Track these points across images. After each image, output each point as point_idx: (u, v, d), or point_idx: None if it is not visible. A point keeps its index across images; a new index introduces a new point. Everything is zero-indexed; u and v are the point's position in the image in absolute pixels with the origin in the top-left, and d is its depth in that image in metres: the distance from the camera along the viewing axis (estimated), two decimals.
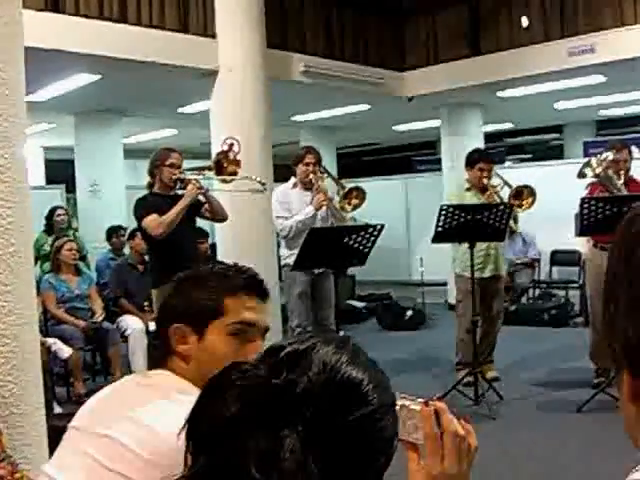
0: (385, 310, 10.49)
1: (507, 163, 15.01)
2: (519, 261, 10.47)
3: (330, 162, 13.34)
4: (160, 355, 1.74)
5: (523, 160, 16.79)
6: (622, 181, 5.92)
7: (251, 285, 1.79)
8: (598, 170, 5.84)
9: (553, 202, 8.89)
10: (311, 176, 6.25)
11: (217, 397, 0.86)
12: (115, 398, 1.69)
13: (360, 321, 10.76)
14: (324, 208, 6.25)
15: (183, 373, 1.69)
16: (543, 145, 17.44)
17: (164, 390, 1.62)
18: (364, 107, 11.49)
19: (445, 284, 11.15)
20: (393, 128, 14.17)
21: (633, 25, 8.70)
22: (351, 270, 11.09)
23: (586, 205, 5.43)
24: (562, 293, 10.14)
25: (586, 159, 6.38)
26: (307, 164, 6.28)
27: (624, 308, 0.69)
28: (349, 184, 6.56)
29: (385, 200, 13.08)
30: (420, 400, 1.14)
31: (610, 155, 5.89)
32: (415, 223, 12.84)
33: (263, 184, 5.91)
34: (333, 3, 9.93)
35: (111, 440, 1.52)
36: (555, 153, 16.17)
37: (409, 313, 10.23)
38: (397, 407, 1.02)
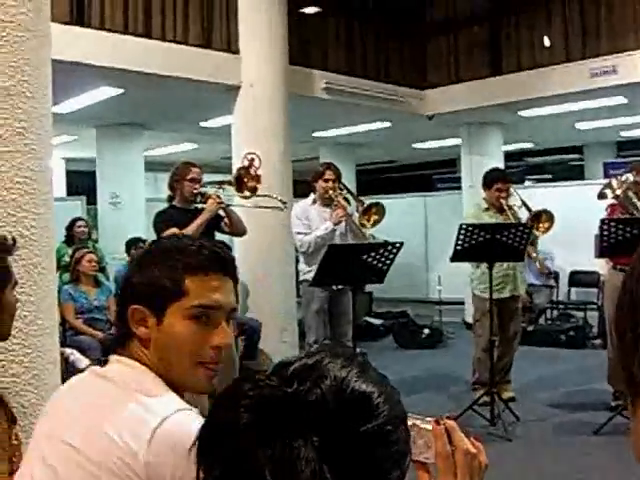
0: (402, 328, 10.47)
1: (527, 183, 14.96)
2: (537, 282, 10.43)
3: (349, 179, 13.35)
4: (120, 337, 1.62)
5: (543, 180, 16.72)
6: None
7: (215, 262, 1.60)
8: (618, 191, 5.82)
9: (573, 223, 8.87)
10: (330, 192, 6.27)
11: (231, 408, 0.87)
12: (76, 398, 1.56)
13: (377, 338, 10.75)
14: (343, 223, 6.27)
15: (142, 358, 1.56)
16: (564, 165, 17.37)
17: (125, 389, 1.50)
18: (384, 124, 11.52)
19: (463, 303, 11.11)
20: (413, 146, 14.19)
21: None
22: (369, 287, 11.08)
23: (606, 226, 5.41)
24: (580, 314, 10.09)
25: (606, 180, 6.37)
26: (326, 180, 6.31)
27: None
28: (368, 200, 6.56)
29: (404, 218, 13.07)
30: (430, 419, 1.14)
31: (631, 177, 5.87)
32: (434, 241, 12.81)
33: (284, 203, 5.95)
34: (355, 20, 10.00)
35: (73, 450, 1.43)
36: (575, 174, 16.11)
37: (426, 331, 10.21)
38: (412, 426, 1.03)
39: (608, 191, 5.89)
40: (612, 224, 5.43)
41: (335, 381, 0.87)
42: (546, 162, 17.56)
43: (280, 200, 5.89)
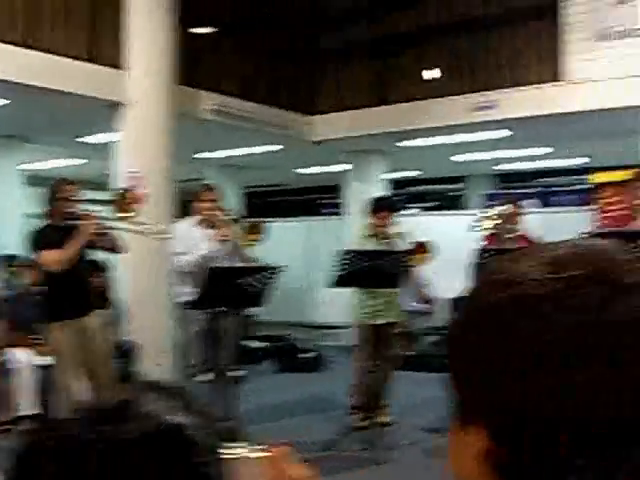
0: (283, 351, 10.47)
1: (411, 211, 15.30)
2: (416, 308, 10.60)
3: (235, 201, 13.34)
4: None
5: (427, 208, 17.16)
6: (514, 235, 6.13)
7: None
8: (492, 224, 6.02)
9: (454, 250, 9.09)
10: (209, 213, 6.23)
11: (34, 459, 0.81)
12: None
13: (258, 362, 10.68)
14: (227, 246, 6.23)
15: None
16: (446, 195, 17.88)
17: None
18: (272, 148, 11.56)
19: (344, 327, 11.19)
20: (300, 170, 14.29)
21: (534, 84, 9.09)
22: (251, 310, 11.02)
23: (484, 255, 5.58)
24: None
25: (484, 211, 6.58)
26: (206, 201, 6.27)
27: (507, 376, 0.68)
28: (248, 221, 6.55)
29: (288, 241, 13.12)
30: (260, 447, 1.12)
31: (503, 209, 6.10)
32: (316, 265, 12.90)
33: (165, 234, 5.88)
34: (247, 44, 10.02)
35: None
36: (458, 203, 16.60)
37: (307, 355, 10.23)
38: (237, 457, 1.00)
39: (482, 223, 6.08)
40: (488, 254, 5.61)
41: (148, 416, 0.84)
42: (430, 191, 18.02)
43: (161, 231, 5.82)
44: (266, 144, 11.29)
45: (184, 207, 8.64)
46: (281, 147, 11.45)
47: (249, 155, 12.14)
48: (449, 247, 8.19)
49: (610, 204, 7.62)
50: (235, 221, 6.58)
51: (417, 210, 16.15)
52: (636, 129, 9.81)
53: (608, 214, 6.79)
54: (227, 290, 5.10)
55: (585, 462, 0.62)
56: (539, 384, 0.64)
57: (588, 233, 5.59)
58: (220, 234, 6.15)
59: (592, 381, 0.62)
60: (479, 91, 9.41)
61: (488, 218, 6.08)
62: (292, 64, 10.67)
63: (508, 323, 0.66)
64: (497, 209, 6.18)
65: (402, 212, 12.94)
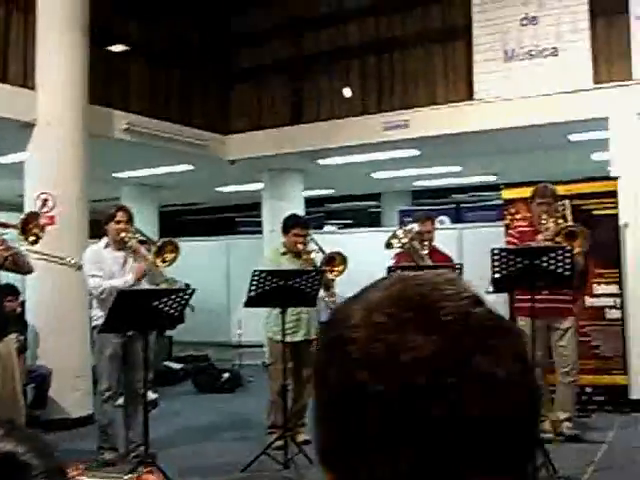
0: (201, 372, 10.39)
1: (327, 228, 15.41)
2: None
3: (152, 221, 13.20)
4: None
5: (344, 226, 17.31)
6: (426, 251, 6.25)
7: None
8: (404, 241, 6.13)
9: (370, 267, 9.16)
10: (122, 235, 6.16)
11: None
12: None
13: (176, 383, 10.59)
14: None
15: None
16: (363, 212, 18.07)
17: None
18: (187, 167, 11.50)
19: (262, 346, 11.17)
20: (217, 189, 14.24)
21: (443, 104, 9.30)
22: (169, 331, 10.92)
23: (392, 274, 5.66)
24: None
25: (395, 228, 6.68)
26: (118, 222, 6.19)
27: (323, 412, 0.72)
28: (161, 239, 6.48)
29: (207, 261, 13.06)
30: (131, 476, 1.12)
31: (415, 227, 6.21)
32: (235, 284, 12.85)
33: (78, 266, 5.80)
34: (160, 63, 9.98)
35: None
36: (374, 220, 16.80)
37: (225, 375, 10.18)
38: None
39: (394, 240, 6.18)
40: (398, 271, 5.70)
41: None
42: (346, 208, 18.19)
43: (73, 263, 5.73)
44: (181, 163, 11.23)
45: (99, 228, 8.53)
46: (196, 166, 11.40)
47: (165, 174, 12.04)
48: (365, 264, 8.26)
49: (517, 220, 7.84)
50: (146, 242, 6.50)
51: (334, 227, 16.28)
52: (542, 146, 10.15)
53: (515, 229, 6.97)
54: (137, 313, 5.05)
55: None
56: (332, 429, 0.68)
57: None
58: (142, 269, 6.08)
59: (379, 426, 0.65)
60: (392, 110, 9.57)
61: (397, 236, 6.18)
62: (206, 83, 10.67)
63: (324, 366, 0.70)
64: (408, 226, 6.30)
65: (320, 229, 13.12)
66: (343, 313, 0.72)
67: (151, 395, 8.23)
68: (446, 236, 10.14)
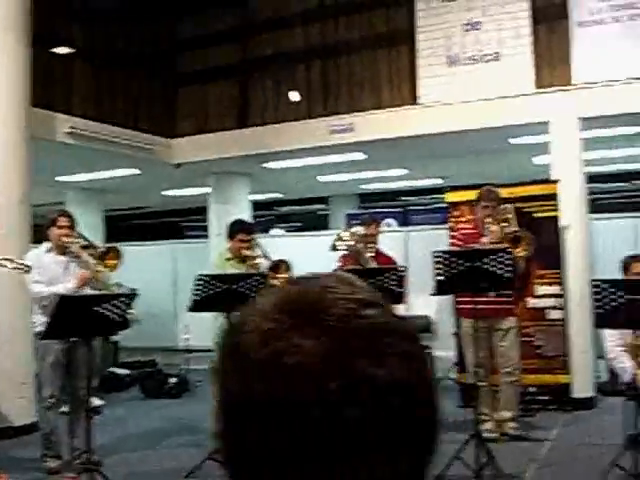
0: (148, 378, 10.29)
1: (275, 231, 15.41)
2: None
3: (97, 225, 13.05)
4: None
5: (292, 229, 17.34)
6: (371, 254, 6.30)
7: None
8: (349, 243, 6.16)
9: (316, 271, 9.20)
10: (65, 240, 6.09)
11: None
12: None
13: (123, 389, 10.47)
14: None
15: None
16: (311, 215, 18.11)
17: None
18: (133, 171, 11.41)
19: (211, 350, 11.11)
20: (163, 193, 14.15)
21: (389, 108, 9.38)
22: (114, 336, 10.80)
23: None
24: None
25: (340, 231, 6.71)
26: (61, 227, 6.12)
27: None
28: (104, 245, 6.43)
29: (153, 265, 12.95)
30: None
31: (360, 229, 6.25)
32: (182, 289, 12.78)
33: (27, 267, 5.70)
34: (104, 66, 9.88)
35: None
36: (322, 223, 16.85)
37: (173, 380, 10.10)
38: None
39: (339, 243, 6.21)
40: None
41: None
42: (294, 212, 18.22)
43: (23, 265, 5.64)
44: (126, 167, 11.13)
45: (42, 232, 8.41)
46: (142, 170, 11.31)
47: (110, 178, 11.93)
48: (312, 267, 8.29)
49: (461, 222, 7.93)
50: (88, 247, 6.43)
51: (282, 231, 16.30)
52: (486, 149, 10.30)
53: (459, 232, 7.06)
54: (79, 319, 4.99)
55: None
56: (230, 437, 0.69)
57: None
58: (85, 276, 6.01)
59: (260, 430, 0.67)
60: (337, 114, 9.63)
61: (342, 239, 6.22)
62: (151, 86, 10.60)
63: (219, 371, 0.72)
64: (352, 229, 6.33)
65: (267, 233, 13.11)
66: (240, 319, 0.73)
67: (96, 402, 8.14)
68: (393, 239, 10.23)
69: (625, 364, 5.81)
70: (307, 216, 18.26)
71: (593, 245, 9.20)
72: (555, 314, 8.19)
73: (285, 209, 17.93)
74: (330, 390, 0.65)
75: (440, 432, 0.74)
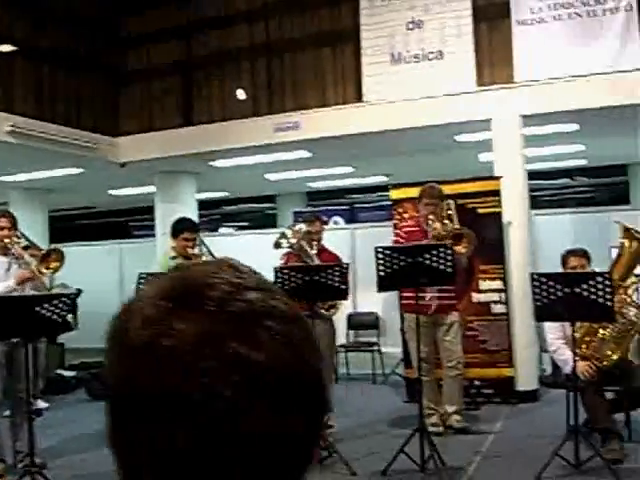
0: (94, 379, 10.16)
1: (222, 230, 15.37)
2: None
3: (42, 225, 12.86)
4: None
5: (240, 228, 17.30)
6: (315, 251, 6.33)
7: None
8: (292, 241, 6.18)
9: (263, 269, 9.20)
10: (6, 241, 6.00)
11: None
12: None
13: (69, 391, 10.32)
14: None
15: None
16: (258, 214, 18.09)
17: None
18: (77, 170, 11.26)
19: None
20: (109, 192, 13.99)
21: (333, 106, 9.42)
22: (61, 337, 10.65)
23: (280, 274, 5.72)
24: None
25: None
26: (1, 229, 6.04)
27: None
28: (46, 247, 6.36)
29: (100, 265, 12.82)
30: None
31: (303, 227, 6.27)
32: (129, 289, 12.68)
33: None
34: (46, 64, 9.74)
35: None
36: (270, 222, 16.85)
37: None
38: None
39: (283, 240, 6.23)
40: (285, 272, 5.75)
41: None
42: (242, 210, 18.17)
43: None
44: (70, 166, 10.98)
45: None
46: (86, 169, 11.17)
47: (54, 177, 11.75)
48: (260, 265, 8.31)
49: (405, 219, 8.01)
50: (30, 248, 6.35)
51: (231, 230, 16.25)
52: (431, 147, 10.40)
53: (402, 229, 7.13)
54: (18, 319, 4.92)
55: None
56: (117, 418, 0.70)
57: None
58: (25, 275, 5.93)
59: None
60: (283, 112, 9.64)
61: (286, 236, 6.23)
62: (94, 85, 10.48)
63: (105, 357, 0.73)
64: (295, 227, 6.35)
65: (214, 232, 13.05)
66: (125, 307, 0.74)
67: (41, 404, 8.04)
68: (339, 236, 10.29)
69: (565, 356, 5.93)
70: (255, 215, 18.23)
71: (535, 241, 9.36)
72: (499, 308, 8.31)
73: (233, 208, 17.88)
74: (203, 371, 0.66)
75: (323, 417, 0.76)
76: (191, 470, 0.67)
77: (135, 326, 0.70)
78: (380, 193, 14.93)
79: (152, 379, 0.68)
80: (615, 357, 6.08)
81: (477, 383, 8.22)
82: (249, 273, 0.75)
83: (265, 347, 0.69)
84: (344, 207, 15.22)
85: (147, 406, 0.68)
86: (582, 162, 13.41)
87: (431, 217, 6.63)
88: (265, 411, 0.68)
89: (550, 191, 15.96)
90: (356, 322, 10.69)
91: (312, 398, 0.73)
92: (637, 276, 6.24)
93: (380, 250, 5.65)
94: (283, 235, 6.26)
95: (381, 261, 5.62)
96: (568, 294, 5.37)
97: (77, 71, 10.17)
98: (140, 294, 0.73)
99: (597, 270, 5.89)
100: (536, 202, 13.53)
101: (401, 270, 5.59)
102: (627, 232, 6.20)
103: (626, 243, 6.20)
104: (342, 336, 10.33)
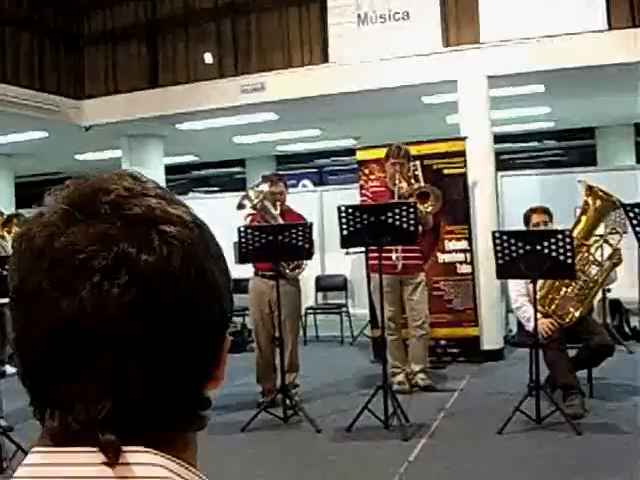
0: None
1: (192, 194, 15.29)
2: None
3: (7, 191, 12.73)
4: None
5: (209, 192, 17.22)
6: (278, 211, 6.32)
7: None
8: (256, 201, 6.16)
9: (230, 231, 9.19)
10: None
11: None
12: None
13: None
14: None
15: None
16: (228, 178, 17.99)
17: None
18: (41, 134, 11.12)
19: None
20: (75, 157, 13.82)
21: (300, 67, 9.35)
22: None
23: (243, 234, 5.71)
24: (239, 320, 10.42)
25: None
26: None
27: None
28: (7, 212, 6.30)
29: None
30: None
31: (266, 187, 6.25)
32: None
33: None
34: (7, 27, 9.56)
35: None
36: (240, 186, 16.76)
37: None
38: None
39: (246, 201, 6.21)
40: (249, 232, 5.74)
41: None
42: (211, 175, 18.07)
43: None
44: (33, 130, 10.83)
45: None
46: (50, 133, 11.03)
47: (18, 142, 11.60)
48: (230, 228, 8.30)
49: (371, 180, 8.01)
50: None
51: (200, 194, 16.18)
52: (399, 109, 10.39)
53: (369, 190, 7.13)
54: None
55: None
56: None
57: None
58: None
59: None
60: (248, 73, 9.56)
61: (249, 197, 6.21)
62: (57, 47, 10.31)
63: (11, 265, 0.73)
64: (258, 187, 6.33)
65: (185, 196, 12.95)
66: (34, 214, 0.75)
67: (9, 369, 8.01)
68: (308, 199, 10.30)
69: (528, 313, 5.99)
70: (224, 179, 18.13)
71: (503, 202, 9.43)
72: (464, 268, 8.38)
73: (202, 173, 17.77)
74: (93, 270, 0.67)
75: (223, 331, 0.76)
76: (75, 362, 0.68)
77: (35, 230, 0.70)
78: (348, 157, 14.92)
79: (46, 278, 0.68)
80: (577, 315, 6.14)
81: (443, 342, 8.30)
82: (150, 183, 0.76)
83: (157, 250, 0.69)
84: (313, 170, 15.19)
85: (40, 304, 0.68)
86: (550, 125, 13.48)
87: (397, 177, 6.64)
88: (154, 313, 0.68)
89: (520, 154, 16.03)
90: (324, 284, 10.74)
91: (207, 306, 0.73)
92: (600, 236, 6.30)
93: (343, 209, 5.65)
94: (246, 196, 6.24)
95: (344, 220, 5.63)
96: (529, 251, 5.41)
97: (39, 33, 10.00)
98: (46, 200, 0.74)
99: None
100: (506, 165, 13.63)
101: (364, 229, 5.60)
102: (590, 190, 6.25)
103: (589, 201, 6.25)
104: (311, 298, 10.38)
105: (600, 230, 6.37)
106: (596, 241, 6.24)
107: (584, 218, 6.26)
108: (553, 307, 6.17)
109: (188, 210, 0.76)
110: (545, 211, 6.43)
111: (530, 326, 5.93)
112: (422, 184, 6.80)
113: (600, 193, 6.19)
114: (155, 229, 0.70)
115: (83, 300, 0.67)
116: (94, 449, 0.67)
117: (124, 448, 0.67)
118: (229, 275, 0.77)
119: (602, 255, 6.27)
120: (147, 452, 0.68)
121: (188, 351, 0.71)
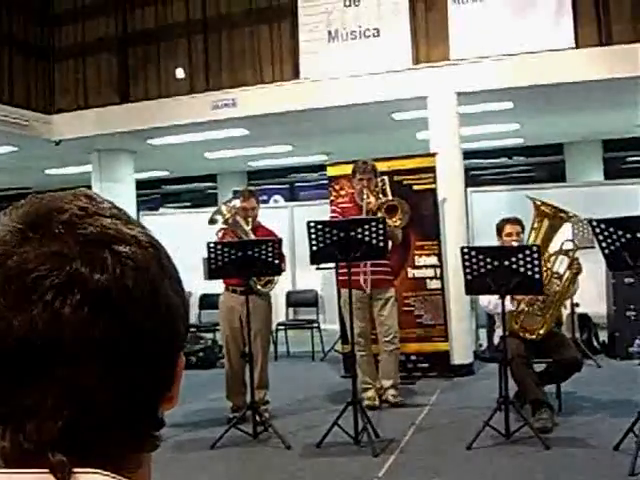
0: None
1: (162, 210, 15.23)
2: None
3: None
4: None
5: (180, 207, 17.16)
6: (250, 227, 6.32)
7: None
8: (228, 216, 6.16)
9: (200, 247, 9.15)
10: None
11: None
12: None
13: None
14: None
15: None
16: (199, 193, 17.94)
17: None
18: (10, 149, 11.02)
19: None
20: (45, 172, 13.72)
21: (271, 83, 9.38)
22: None
23: (212, 250, 5.70)
24: (210, 335, 10.38)
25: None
26: None
27: None
28: None
29: None
30: None
31: (238, 203, 6.25)
32: None
33: None
34: None
35: None
36: (211, 201, 16.72)
37: None
38: None
39: (218, 216, 6.21)
40: (219, 247, 5.73)
41: None
42: (183, 190, 18.01)
43: None
44: (2, 144, 10.72)
45: None
46: (19, 147, 10.93)
47: None
48: (200, 244, 8.28)
49: (341, 196, 8.05)
50: None
51: (172, 210, 16.12)
52: (369, 125, 10.45)
53: (337, 205, 7.16)
54: None
55: None
56: None
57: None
58: None
59: None
60: (220, 89, 9.57)
61: (221, 212, 6.21)
62: (27, 61, 10.24)
63: None
64: (230, 203, 6.33)
65: (155, 212, 12.92)
66: None
67: None
68: (279, 215, 10.30)
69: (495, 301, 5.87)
70: (196, 194, 18.08)
71: (472, 218, 9.49)
72: (434, 284, 8.41)
73: (174, 187, 17.71)
74: (44, 290, 0.67)
75: (176, 353, 0.77)
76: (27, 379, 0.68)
77: None
78: (320, 172, 14.96)
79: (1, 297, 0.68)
80: (543, 331, 6.19)
81: (413, 358, 8.33)
82: (105, 203, 0.76)
83: (110, 270, 0.69)
84: (284, 186, 15.20)
85: None
86: (519, 141, 13.61)
87: (365, 192, 6.66)
88: (106, 331, 0.68)
89: (489, 170, 16.16)
90: (295, 300, 10.73)
91: (160, 325, 0.73)
92: (561, 250, 6.32)
93: (312, 225, 5.66)
94: (218, 211, 6.24)
95: (313, 235, 5.64)
96: (497, 267, 5.46)
97: (8, 48, 9.93)
98: (1, 219, 0.74)
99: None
100: (476, 181, 13.73)
101: (333, 244, 5.62)
102: (539, 208, 6.29)
103: (540, 217, 6.29)
104: (282, 314, 10.36)
105: (553, 245, 6.40)
106: (550, 255, 6.26)
107: (535, 234, 6.29)
108: (519, 323, 6.21)
109: (144, 231, 0.76)
110: (518, 222, 6.47)
111: (498, 309, 5.82)
112: (389, 197, 6.84)
113: (548, 209, 6.24)
114: (109, 249, 0.70)
115: (34, 318, 0.67)
116: (44, 470, 0.66)
117: (74, 470, 0.66)
118: (184, 296, 0.78)
119: (559, 268, 6.31)
120: (97, 473, 0.68)
121: (141, 369, 0.72)
